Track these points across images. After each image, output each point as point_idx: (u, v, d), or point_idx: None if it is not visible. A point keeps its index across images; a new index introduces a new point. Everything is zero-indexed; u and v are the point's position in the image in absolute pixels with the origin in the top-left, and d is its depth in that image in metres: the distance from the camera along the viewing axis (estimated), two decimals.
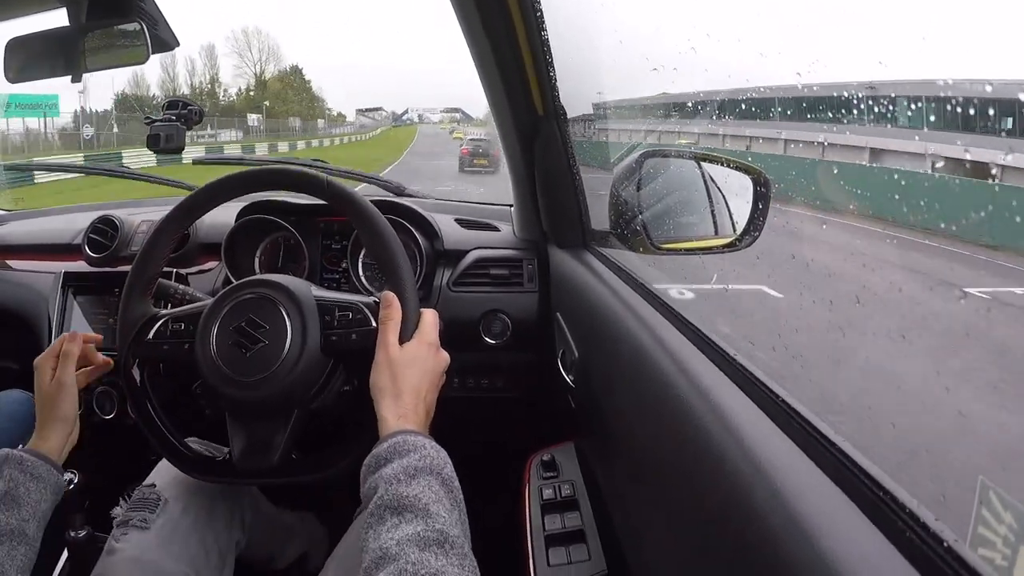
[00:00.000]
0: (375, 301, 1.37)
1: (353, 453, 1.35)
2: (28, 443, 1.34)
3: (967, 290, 1.09)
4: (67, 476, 1.36)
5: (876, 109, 1.26)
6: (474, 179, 27.05)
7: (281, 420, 1.38)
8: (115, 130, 45.28)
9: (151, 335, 1.42)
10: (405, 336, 1.29)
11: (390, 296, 1.32)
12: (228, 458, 1.41)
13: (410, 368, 1.24)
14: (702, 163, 1.67)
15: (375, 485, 1.04)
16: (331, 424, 1.55)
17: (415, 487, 1.01)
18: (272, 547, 1.83)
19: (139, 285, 1.45)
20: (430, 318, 1.35)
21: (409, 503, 0.99)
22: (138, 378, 1.43)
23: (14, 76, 1.61)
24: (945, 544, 0.58)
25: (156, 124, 1.87)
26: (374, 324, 1.33)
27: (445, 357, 1.34)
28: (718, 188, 1.65)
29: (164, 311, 1.46)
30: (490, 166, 29.35)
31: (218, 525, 1.52)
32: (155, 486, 1.50)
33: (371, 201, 1.41)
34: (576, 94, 1.79)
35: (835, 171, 1.74)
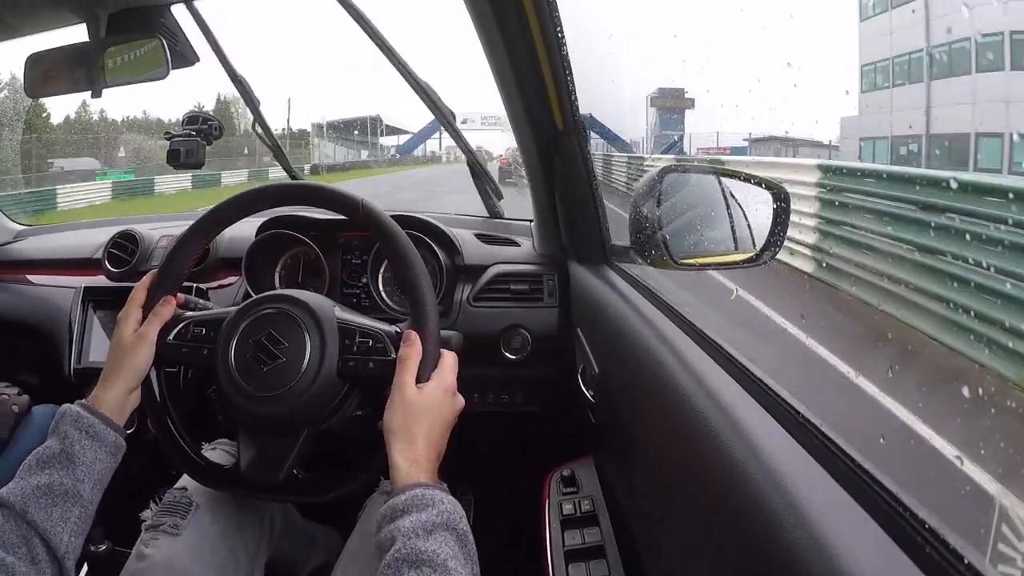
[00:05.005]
0: (397, 332, 1.37)
1: (357, 480, 1.37)
2: (90, 394, 1.33)
3: None
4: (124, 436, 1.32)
5: None
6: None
7: (290, 438, 1.38)
8: None
9: (172, 336, 1.42)
10: (423, 376, 1.29)
11: (412, 335, 1.32)
12: (236, 468, 1.41)
13: (426, 413, 1.24)
14: (722, 178, 1.66)
15: (392, 536, 1.06)
16: (339, 447, 1.55)
17: (432, 542, 1.03)
18: (296, 555, 1.84)
19: (167, 281, 1.46)
20: (450, 361, 1.34)
21: (427, 558, 1.01)
22: (156, 384, 1.43)
23: (35, 91, 1.63)
24: (965, 561, 0.58)
25: (176, 139, 1.88)
26: (393, 355, 1.34)
27: (460, 402, 1.34)
28: (738, 203, 1.65)
29: (187, 313, 1.46)
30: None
31: (247, 533, 1.52)
32: (187, 489, 1.50)
33: (391, 216, 1.41)
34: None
35: None
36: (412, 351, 1.29)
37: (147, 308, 1.42)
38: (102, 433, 1.26)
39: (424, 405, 1.25)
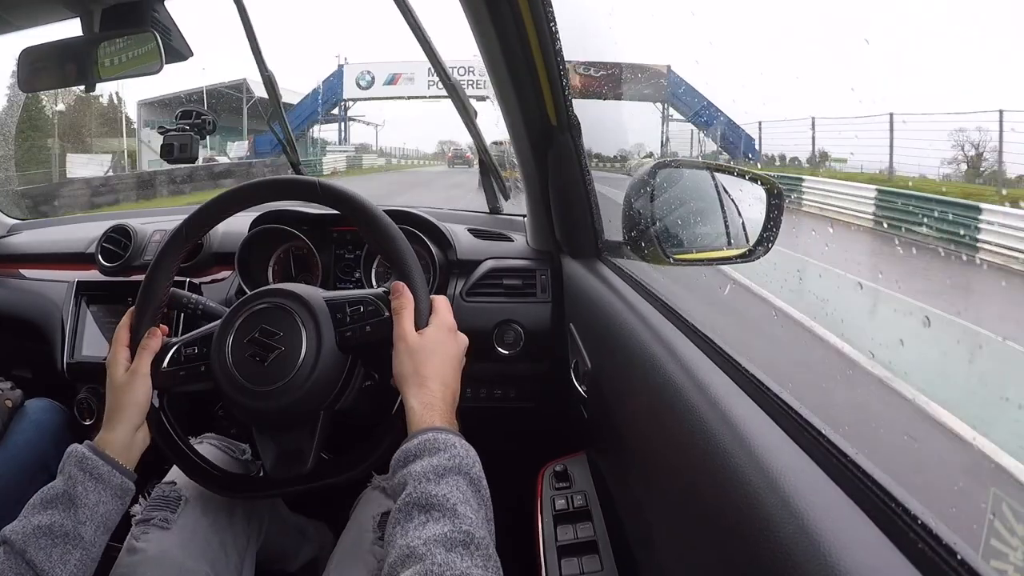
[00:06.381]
0: (385, 291, 1.37)
1: (383, 446, 1.36)
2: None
3: None
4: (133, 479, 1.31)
5: None
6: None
7: (308, 425, 1.39)
8: None
9: (166, 364, 1.41)
10: (420, 322, 1.30)
11: (400, 285, 1.33)
12: (261, 472, 1.41)
13: (432, 355, 1.25)
14: (715, 173, 1.67)
15: (404, 480, 1.06)
16: (358, 422, 1.55)
17: (443, 486, 1.03)
18: (285, 548, 1.84)
19: (147, 315, 1.45)
20: (443, 303, 1.36)
21: (437, 502, 1.01)
22: (157, 405, 1.42)
23: (28, 85, 1.63)
24: (958, 556, 0.58)
25: (170, 134, 1.88)
26: (387, 314, 1.34)
27: (464, 339, 1.35)
28: (731, 199, 1.65)
29: (174, 339, 1.46)
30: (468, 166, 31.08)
31: (237, 527, 1.53)
32: (175, 484, 1.50)
33: (384, 211, 1.42)
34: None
35: None
36: (404, 300, 1.31)
37: (132, 346, 1.42)
38: (107, 475, 1.25)
39: (429, 348, 1.26)
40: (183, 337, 1.46)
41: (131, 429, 1.33)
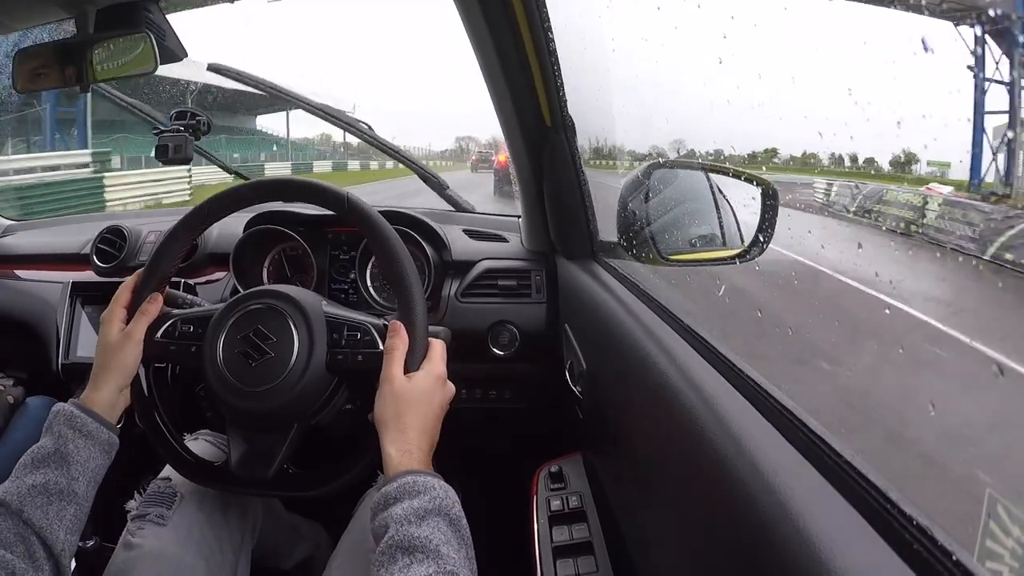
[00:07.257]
0: (384, 324, 1.37)
1: (349, 474, 1.37)
2: (80, 395, 1.32)
3: None
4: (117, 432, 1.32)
5: None
6: None
7: (280, 433, 1.39)
8: None
9: (159, 334, 1.42)
10: (412, 365, 1.29)
11: (398, 325, 1.32)
12: (226, 465, 1.41)
13: (416, 404, 1.24)
14: (710, 174, 1.67)
15: (385, 523, 1.06)
16: (329, 441, 1.55)
17: (425, 528, 1.04)
18: (280, 547, 1.84)
19: (152, 281, 1.45)
20: (439, 348, 1.34)
21: (420, 544, 1.01)
22: (144, 380, 1.44)
23: (23, 86, 1.62)
24: (953, 557, 0.58)
25: (164, 135, 1.87)
26: (381, 347, 1.34)
27: (451, 390, 1.34)
28: (726, 199, 1.65)
29: (175, 311, 1.46)
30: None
31: (232, 524, 1.53)
32: (170, 480, 1.50)
33: (378, 211, 1.41)
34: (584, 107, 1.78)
35: None
36: (399, 341, 1.30)
37: (132, 308, 1.42)
38: (95, 432, 1.26)
39: (414, 395, 1.25)
40: (182, 312, 1.46)
41: (116, 390, 1.34)
